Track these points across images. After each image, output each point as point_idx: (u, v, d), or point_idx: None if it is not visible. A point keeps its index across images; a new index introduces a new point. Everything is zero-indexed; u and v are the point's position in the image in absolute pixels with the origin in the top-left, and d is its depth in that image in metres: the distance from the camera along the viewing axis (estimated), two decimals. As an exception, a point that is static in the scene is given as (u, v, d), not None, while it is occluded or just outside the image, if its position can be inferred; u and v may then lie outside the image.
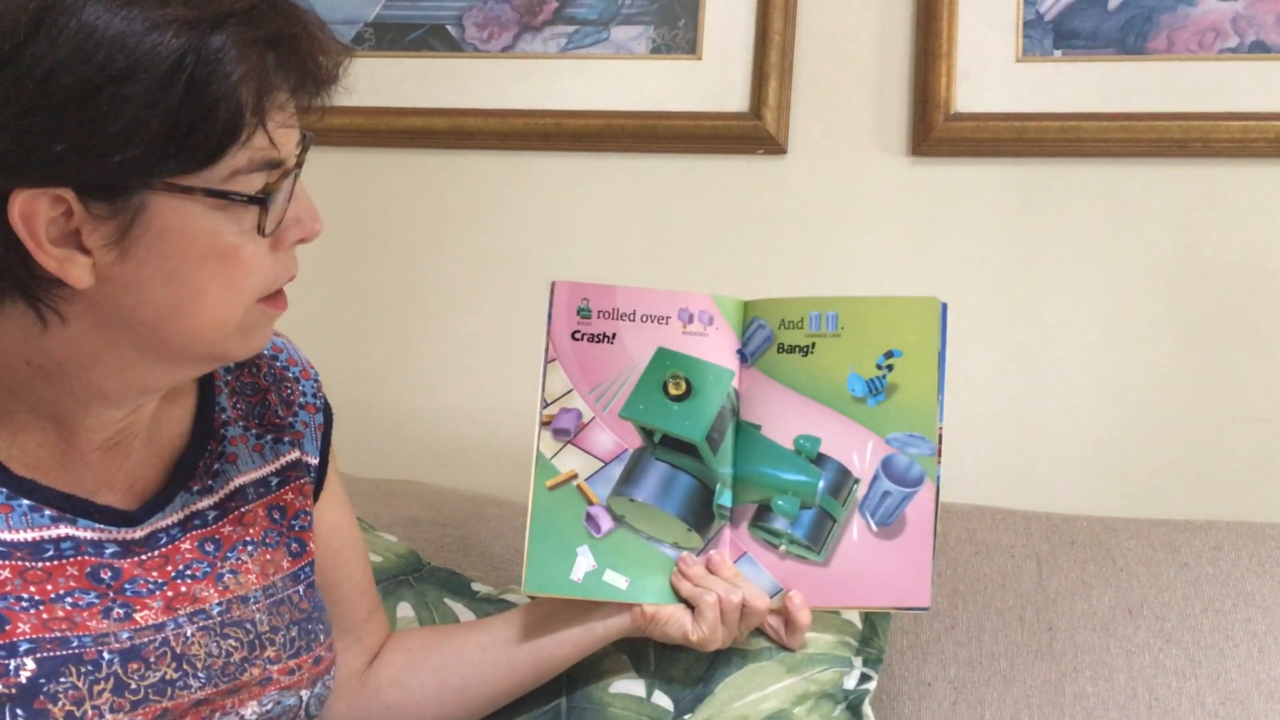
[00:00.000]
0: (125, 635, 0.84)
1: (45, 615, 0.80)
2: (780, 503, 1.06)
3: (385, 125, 1.63)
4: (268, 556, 0.96)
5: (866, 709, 1.11)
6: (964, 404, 1.44)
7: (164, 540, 0.90)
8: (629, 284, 1.10)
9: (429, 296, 1.65)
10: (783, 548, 1.07)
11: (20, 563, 0.81)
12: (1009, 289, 1.49)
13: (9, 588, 0.79)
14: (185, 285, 0.79)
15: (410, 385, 1.64)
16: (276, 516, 0.99)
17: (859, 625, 1.13)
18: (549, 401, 1.08)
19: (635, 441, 1.09)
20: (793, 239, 1.55)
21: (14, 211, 0.74)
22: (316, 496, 1.04)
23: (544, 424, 1.07)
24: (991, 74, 1.48)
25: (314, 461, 1.04)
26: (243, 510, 0.96)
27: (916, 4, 1.52)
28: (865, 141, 1.53)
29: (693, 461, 1.08)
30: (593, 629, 1.07)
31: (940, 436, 1.04)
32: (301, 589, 0.99)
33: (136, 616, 0.85)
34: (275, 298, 0.86)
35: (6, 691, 0.77)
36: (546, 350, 1.08)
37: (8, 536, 0.81)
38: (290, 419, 1.02)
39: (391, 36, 1.65)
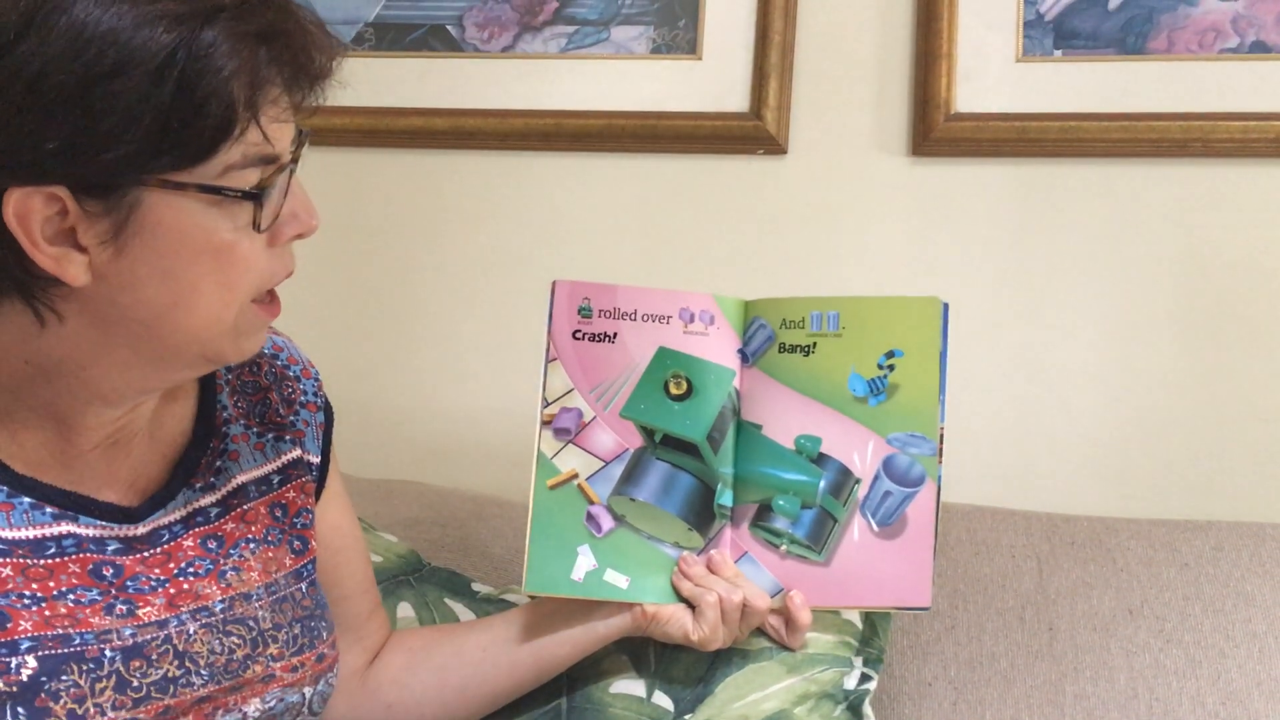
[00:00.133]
0: (128, 632, 0.84)
1: (47, 612, 0.80)
2: (781, 502, 1.06)
3: (385, 125, 1.63)
4: (270, 554, 0.96)
5: (867, 709, 1.11)
6: (964, 404, 1.44)
7: (166, 537, 0.90)
8: (630, 284, 1.10)
9: (429, 296, 1.65)
10: (784, 547, 1.07)
11: (22, 560, 0.81)
12: (1009, 289, 1.49)
13: (10, 585, 0.79)
14: (181, 282, 0.79)
15: (410, 385, 1.64)
16: (278, 514, 0.99)
17: (859, 625, 1.13)
18: (550, 401, 1.08)
19: (636, 441, 1.09)
20: (793, 239, 1.55)
21: (8, 210, 0.74)
22: (318, 495, 1.04)
23: (545, 423, 1.07)
24: (992, 74, 1.48)
25: (315, 460, 1.04)
26: (245, 508, 0.96)
27: (917, 4, 1.52)
28: (866, 142, 1.53)
29: (694, 461, 1.08)
30: (593, 628, 1.07)
31: (941, 436, 1.04)
32: (304, 586, 0.99)
33: (139, 613, 0.85)
34: (270, 303, 0.86)
35: (8, 689, 0.77)
36: (547, 349, 1.08)
37: (9, 534, 0.81)
38: (291, 417, 1.02)
39: (392, 36, 1.65)
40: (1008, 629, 1.23)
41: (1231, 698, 1.16)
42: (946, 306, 1.05)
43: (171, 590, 0.88)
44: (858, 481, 1.05)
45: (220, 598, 0.91)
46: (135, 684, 0.83)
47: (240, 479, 0.97)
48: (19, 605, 0.79)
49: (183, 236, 0.77)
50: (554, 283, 1.09)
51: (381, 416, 1.64)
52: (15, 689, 0.77)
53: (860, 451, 1.05)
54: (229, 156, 0.77)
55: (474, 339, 1.63)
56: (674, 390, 1.09)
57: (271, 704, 0.93)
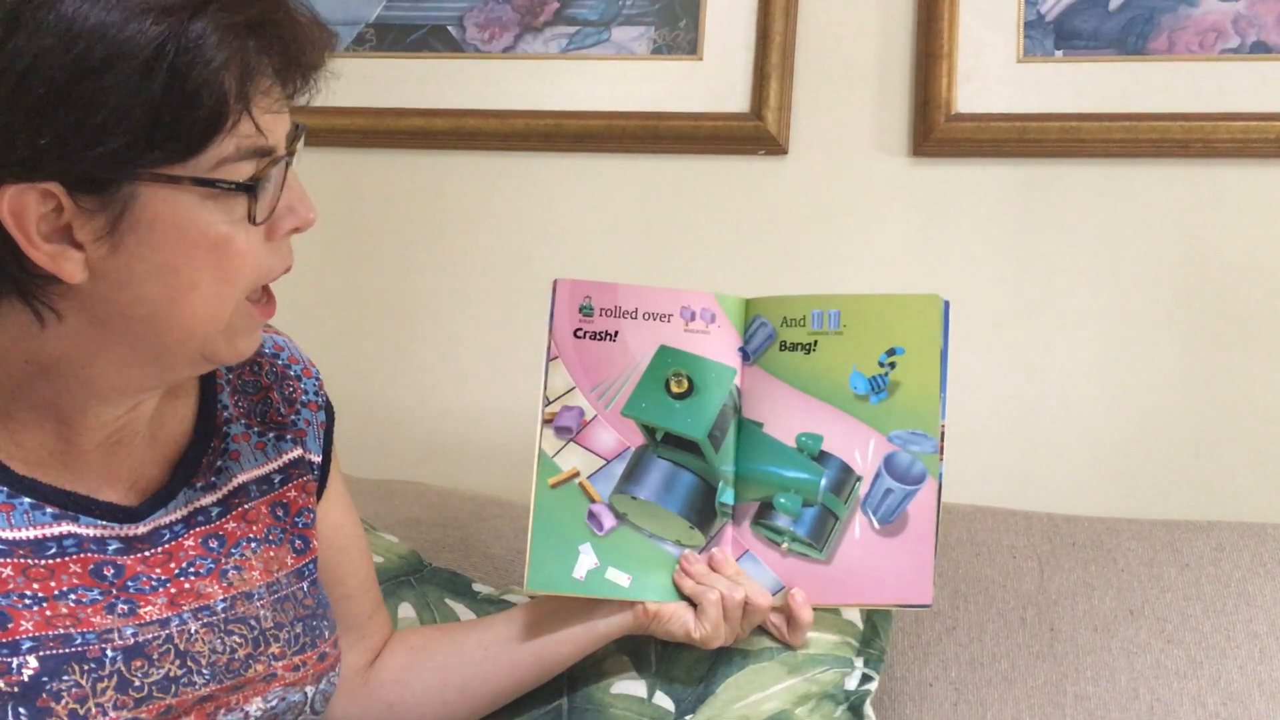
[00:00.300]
0: (129, 631, 0.84)
1: (48, 612, 0.80)
2: (782, 500, 1.06)
3: (386, 126, 1.63)
4: (271, 553, 0.96)
5: (867, 710, 1.11)
6: (965, 405, 1.44)
7: (167, 537, 0.90)
8: (631, 283, 1.10)
9: (430, 297, 1.65)
10: (785, 545, 1.07)
11: (23, 560, 0.81)
12: (1010, 289, 1.49)
13: (11, 585, 0.79)
14: (179, 277, 0.79)
15: (412, 385, 1.64)
16: (280, 513, 0.98)
17: (860, 626, 1.13)
18: (551, 399, 1.08)
19: (637, 439, 1.08)
20: (794, 239, 1.55)
21: (3, 208, 0.74)
22: (319, 494, 1.04)
23: (546, 422, 1.07)
24: (992, 74, 1.49)
25: (317, 459, 1.04)
26: (246, 507, 0.96)
27: (917, 5, 1.52)
28: (866, 142, 1.53)
29: (695, 459, 1.08)
30: (595, 627, 1.07)
31: (942, 434, 1.04)
32: (305, 585, 0.99)
33: (140, 613, 0.85)
34: (265, 303, 0.86)
35: (9, 690, 0.77)
36: (548, 348, 1.08)
37: (9, 535, 0.81)
38: (292, 417, 1.02)
39: (392, 37, 1.65)
40: (1009, 630, 1.23)
41: (1232, 698, 1.16)
42: (947, 304, 1.05)
43: (172, 590, 0.88)
44: (859, 479, 1.05)
45: (222, 597, 0.91)
46: (137, 683, 0.83)
47: (241, 478, 0.97)
48: (20, 605, 0.79)
49: (178, 230, 0.77)
50: (555, 281, 1.09)
51: (382, 416, 1.64)
52: (17, 689, 0.77)
53: (861, 449, 1.05)
54: (222, 149, 0.77)
55: (475, 339, 1.63)
56: (675, 388, 1.09)
57: (273, 703, 0.93)
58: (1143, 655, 1.19)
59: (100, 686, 0.81)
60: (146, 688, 0.83)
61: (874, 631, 1.13)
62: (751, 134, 1.54)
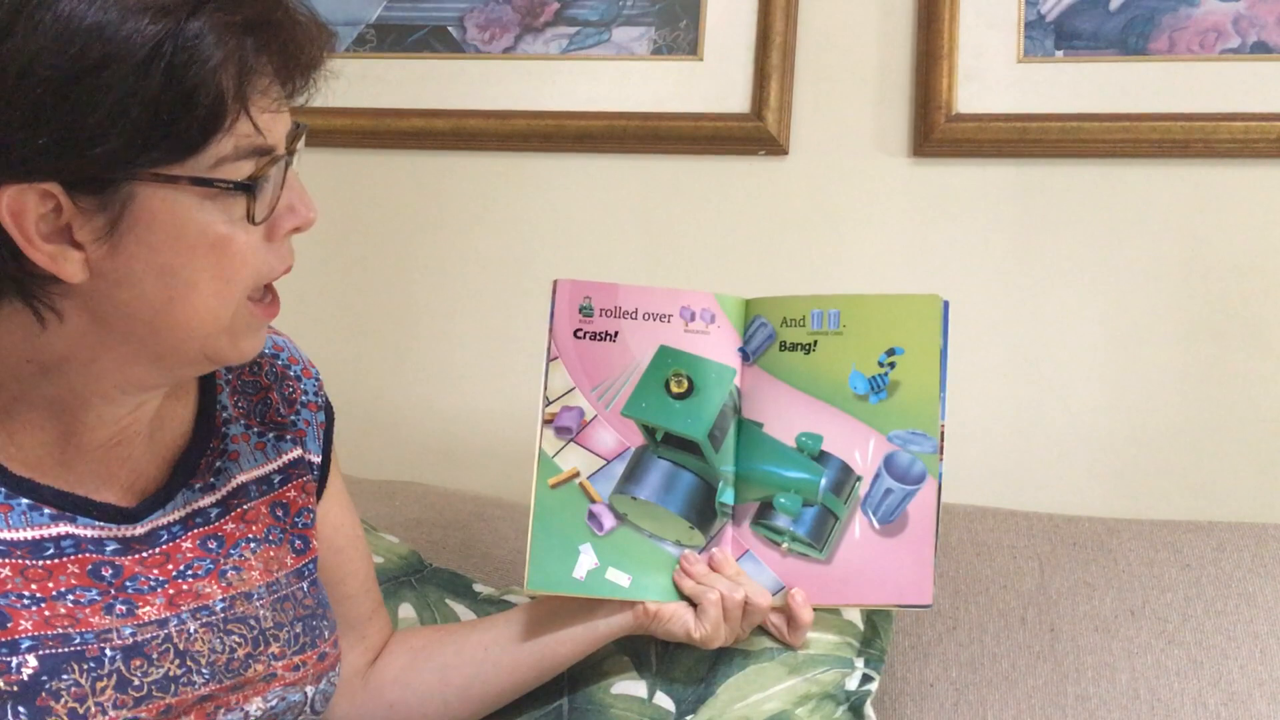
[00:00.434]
0: (128, 631, 0.84)
1: (47, 612, 0.80)
2: (782, 500, 1.06)
3: (387, 126, 1.63)
4: (271, 553, 0.96)
5: (868, 710, 1.10)
6: (965, 405, 1.44)
7: (165, 538, 0.90)
8: (631, 283, 1.10)
9: (431, 297, 1.65)
10: (785, 545, 1.07)
11: (20, 561, 0.81)
12: (1010, 289, 1.49)
13: (9, 586, 0.79)
14: (179, 277, 0.79)
15: (412, 386, 1.64)
16: (279, 513, 0.98)
17: (861, 626, 1.13)
18: (551, 400, 1.08)
19: (637, 439, 1.08)
20: (794, 240, 1.55)
21: (2, 208, 0.74)
22: (319, 495, 1.04)
23: (546, 422, 1.07)
24: (993, 75, 1.49)
25: (316, 460, 1.04)
26: (245, 507, 0.96)
27: (918, 5, 1.52)
28: (867, 142, 1.53)
29: (695, 459, 1.08)
30: (595, 627, 1.07)
31: (942, 434, 1.04)
32: (305, 585, 0.99)
33: (138, 613, 0.85)
34: (268, 303, 0.85)
35: (8, 689, 0.77)
36: (549, 348, 1.08)
37: (7, 535, 0.81)
38: (292, 417, 1.02)
39: (393, 38, 1.65)
40: (1009, 630, 1.23)
41: (1233, 698, 1.15)
42: (947, 304, 1.05)
43: (171, 590, 0.88)
44: (859, 479, 1.05)
45: (221, 597, 0.91)
46: (136, 683, 0.83)
47: (241, 479, 0.97)
48: (19, 605, 0.79)
49: (178, 230, 0.77)
50: (555, 282, 1.09)
51: (383, 417, 1.64)
52: (16, 688, 0.77)
53: (861, 449, 1.05)
54: (221, 148, 0.77)
55: (475, 339, 1.63)
56: (675, 389, 1.09)
57: (273, 703, 0.93)
58: (1143, 655, 1.19)
59: (99, 686, 0.81)
60: (146, 687, 0.83)
61: (874, 632, 1.13)
62: (752, 134, 1.54)
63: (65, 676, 0.79)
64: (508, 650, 1.08)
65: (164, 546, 0.90)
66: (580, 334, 1.09)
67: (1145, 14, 1.46)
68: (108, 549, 0.86)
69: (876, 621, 1.14)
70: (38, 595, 0.80)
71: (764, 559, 1.07)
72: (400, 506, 1.42)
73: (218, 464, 0.96)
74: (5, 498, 0.82)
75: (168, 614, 0.87)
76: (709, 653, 1.08)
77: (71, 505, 0.85)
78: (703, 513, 1.08)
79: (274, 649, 0.93)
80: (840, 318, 1.07)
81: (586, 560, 1.05)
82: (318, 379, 1.06)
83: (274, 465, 0.99)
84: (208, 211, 0.78)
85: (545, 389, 1.08)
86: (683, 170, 1.58)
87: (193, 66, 0.74)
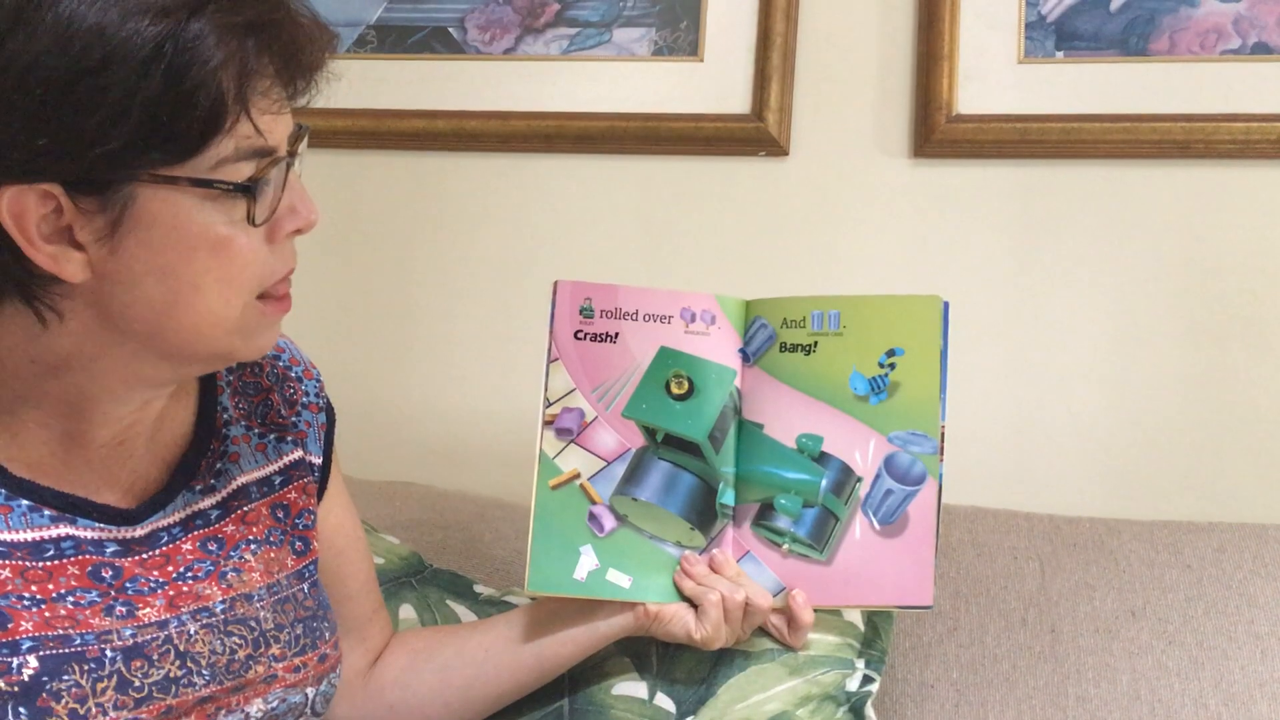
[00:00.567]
0: (128, 633, 0.84)
1: (47, 614, 0.80)
2: (783, 501, 1.06)
3: (387, 127, 1.63)
4: (271, 554, 0.96)
5: (869, 711, 1.10)
6: (965, 406, 1.44)
7: (165, 540, 0.90)
8: (631, 284, 1.10)
9: (432, 298, 1.65)
10: (785, 546, 1.07)
11: (21, 562, 0.81)
12: (1011, 290, 1.49)
13: (10, 587, 0.79)
14: (179, 279, 0.79)
15: (412, 387, 1.64)
16: (280, 515, 0.98)
17: (861, 627, 1.13)
18: (551, 401, 1.08)
19: (638, 441, 1.08)
20: (794, 241, 1.55)
21: (3, 209, 0.74)
22: (320, 496, 1.04)
23: (547, 423, 1.07)
24: (993, 75, 1.49)
25: (317, 461, 1.04)
26: (245, 509, 0.96)
27: (918, 6, 1.52)
28: (867, 143, 1.53)
29: (695, 460, 1.08)
30: (596, 628, 1.07)
31: (942, 435, 1.04)
32: (306, 587, 0.98)
33: (139, 614, 0.85)
34: (279, 299, 0.85)
35: (9, 689, 0.77)
36: (549, 350, 1.08)
37: (7, 537, 0.81)
38: (293, 419, 1.02)
39: (394, 39, 1.65)
40: (1010, 631, 1.23)
41: (1234, 699, 1.15)
42: (947, 305, 1.05)
43: (171, 592, 0.88)
44: (859, 480, 1.05)
45: (221, 598, 0.91)
46: (137, 684, 0.83)
47: (241, 480, 0.97)
48: (19, 606, 0.79)
49: (178, 231, 0.77)
50: (556, 283, 1.09)
51: (384, 418, 1.64)
52: (17, 689, 0.77)
53: (862, 450, 1.05)
54: (221, 149, 0.77)
55: (476, 340, 1.63)
56: (675, 390, 1.09)
57: (274, 704, 0.93)
58: (1144, 656, 1.19)
59: (100, 686, 0.81)
60: (146, 688, 0.83)
61: (875, 633, 1.13)
62: (752, 135, 1.54)
63: (66, 677, 0.79)
64: (508, 651, 1.08)
65: (164, 548, 0.90)
66: (581, 335, 1.09)
67: (1146, 15, 1.46)
68: (108, 550, 0.86)
69: (877, 622, 1.14)
70: (38, 596, 0.80)
71: (764, 560, 1.07)
72: (401, 507, 1.42)
73: (218, 465, 0.96)
74: (5, 499, 0.82)
75: (168, 615, 0.87)
76: (710, 654, 1.08)
77: (72, 507, 0.85)
78: (703, 514, 1.08)
79: (275, 650, 0.93)
80: (840, 319, 1.07)
81: (587, 561, 1.05)
82: (319, 380, 1.06)
83: (275, 467, 0.99)
84: (208, 213, 0.78)
85: (546, 390, 1.08)
86: (683, 171, 1.58)
87: (193, 68, 0.74)
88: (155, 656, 0.85)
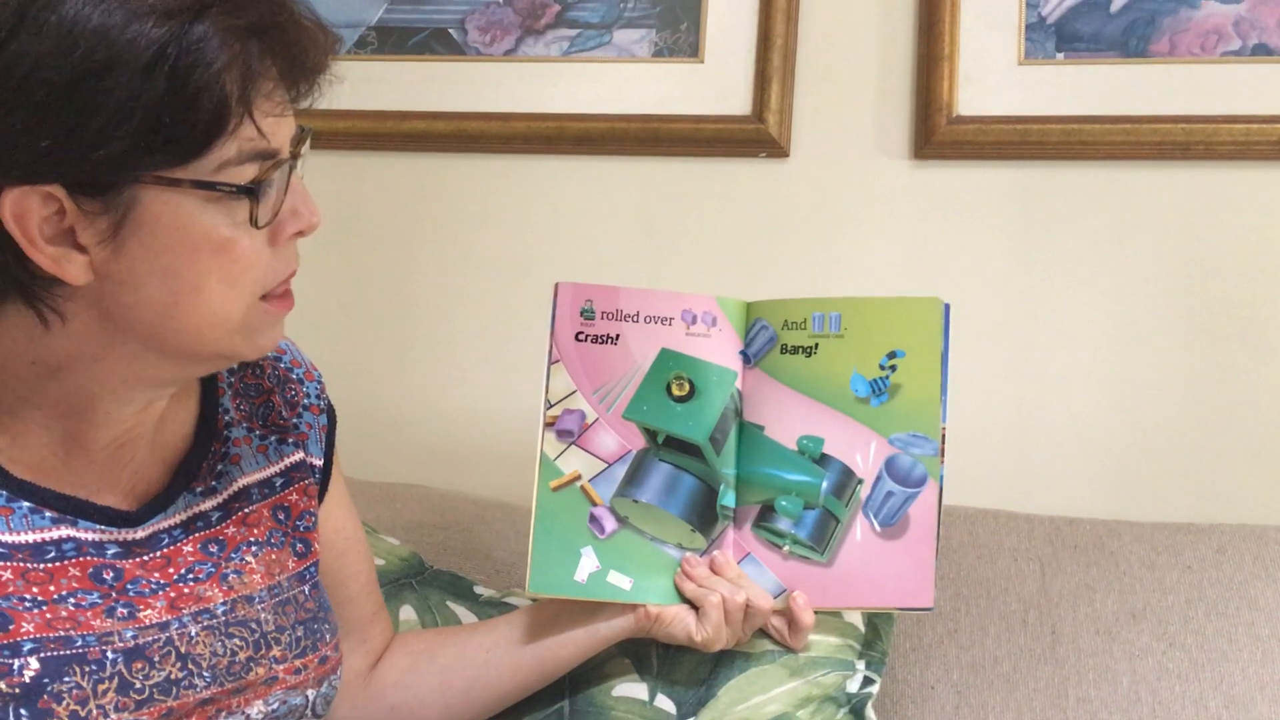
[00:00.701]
0: (129, 634, 0.84)
1: (49, 615, 0.80)
2: (784, 503, 1.06)
3: (388, 129, 1.63)
4: (273, 556, 0.96)
5: (869, 712, 1.10)
6: (966, 407, 1.44)
7: (166, 541, 0.90)
8: (632, 286, 1.10)
9: (432, 300, 1.65)
10: (786, 548, 1.07)
11: (22, 564, 0.81)
12: (1011, 291, 1.49)
13: (11, 589, 0.79)
14: (182, 281, 0.79)
15: (413, 388, 1.64)
16: (281, 517, 0.98)
17: (861, 628, 1.13)
18: (552, 403, 1.08)
19: (639, 442, 1.09)
20: (795, 242, 1.55)
21: (5, 211, 0.74)
22: (321, 498, 1.04)
23: (547, 425, 1.07)
24: (994, 77, 1.49)
25: (318, 463, 1.03)
26: (246, 511, 0.96)
27: (918, 7, 1.52)
28: (867, 144, 1.53)
29: (696, 462, 1.08)
30: (596, 630, 1.07)
31: (943, 437, 1.04)
32: (306, 589, 0.98)
33: (140, 616, 0.85)
34: (281, 297, 0.85)
35: (10, 691, 0.77)
36: (550, 351, 1.08)
37: (9, 539, 0.81)
38: (294, 420, 1.02)
39: (394, 40, 1.65)
40: (1010, 632, 1.23)
41: (1234, 701, 1.15)
42: (948, 306, 1.05)
43: (171, 594, 0.88)
44: (860, 482, 1.05)
45: (222, 600, 0.91)
46: (138, 685, 0.83)
47: (242, 482, 0.97)
48: (20, 608, 0.79)
49: (181, 233, 0.77)
50: (557, 285, 1.09)
51: (384, 420, 1.64)
52: (18, 690, 0.77)
53: (862, 452, 1.05)
54: (224, 152, 0.77)
55: (477, 342, 1.63)
56: (676, 391, 1.09)
57: (274, 706, 0.93)
58: (1145, 658, 1.19)
59: (101, 688, 0.81)
60: (147, 690, 0.83)
61: (875, 634, 1.13)
62: (753, 136, 1.54)
63: (67, 679, 0.79)
64: (509, 653, 1.08)
65: (165, 550, 0.90)
66: (581, 337, 1.09)
67: (1146, 16, 1.46)
68: (108, 552, 0.86)
69: (878, 624, 1.14)
70: (39, 598, 0.80)
71: (765, 562, 1.07)
72: (401, 509, 1.42)
73: (219, 467, 0.96)
74: (7, 500, 0.82)
75: (169, 617, 0.87)
76: (710, 655, 1.08)
77: (72, 508, 0.85)
78: (704, 515, 1.08)
79: (275, 652, 0.93)
80: (841, 320, 1.07)
81: (588, 563, 1.06)
82: (320, 382, 1.06)
83: (276, 468, 0.99)
84: (211, 215, 0.78)
85: (546, 392, 1.08)
86: (684, 172, 1.58)
87: (196, 70, 0.74)
88: (156, 658, 0.85)
